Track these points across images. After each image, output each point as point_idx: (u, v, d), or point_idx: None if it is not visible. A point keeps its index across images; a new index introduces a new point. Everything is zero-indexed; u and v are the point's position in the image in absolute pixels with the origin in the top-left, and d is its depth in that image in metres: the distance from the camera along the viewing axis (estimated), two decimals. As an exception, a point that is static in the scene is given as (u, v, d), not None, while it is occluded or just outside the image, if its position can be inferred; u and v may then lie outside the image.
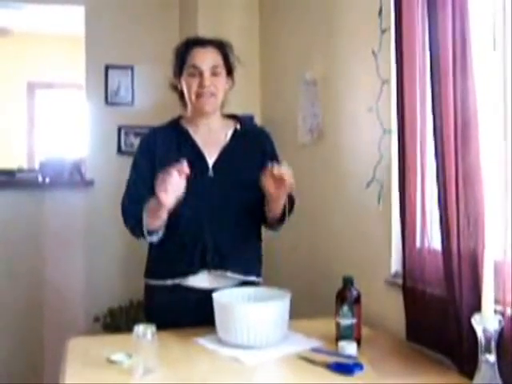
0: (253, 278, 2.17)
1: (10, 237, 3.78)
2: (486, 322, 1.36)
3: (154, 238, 2.05)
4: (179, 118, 2.23)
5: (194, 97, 2.09)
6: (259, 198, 2.09)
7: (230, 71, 2.16)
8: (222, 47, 2.14)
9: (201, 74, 2.07)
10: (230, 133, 2.19)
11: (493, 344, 1.35)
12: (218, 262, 2.09)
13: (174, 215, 2.02)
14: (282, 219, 2.12)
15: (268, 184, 1.94)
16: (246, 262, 2.16)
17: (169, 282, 2.11)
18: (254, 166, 2.16)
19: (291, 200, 2.18)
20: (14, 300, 3.77)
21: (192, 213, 2.06)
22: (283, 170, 1.91)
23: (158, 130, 2.23)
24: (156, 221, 1.99)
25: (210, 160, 2.13)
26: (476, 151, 1.57)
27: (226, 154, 2.15)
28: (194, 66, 2.07)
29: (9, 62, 6.39)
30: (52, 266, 3.80)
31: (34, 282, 3.79)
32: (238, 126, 2.21)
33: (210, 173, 2.12)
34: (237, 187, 2.12)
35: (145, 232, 2.01)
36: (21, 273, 3.78)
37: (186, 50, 2.12)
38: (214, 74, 2.09)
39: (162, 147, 2.14)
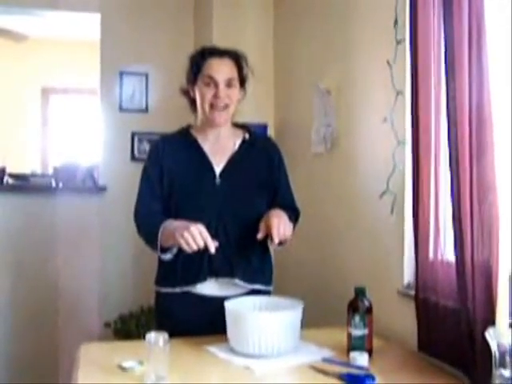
0: (261, 287, 2.18)
1: (22, 241, 3.81)
2: (500, 337, 1.34)
3: (168, 256, 2.06)
4: (188, 126, 2.25)
5: (207, 107, 2.09)
6: (265, 207, 2.14)
7: (242, 82, 2.17)
8: (238, 59, 2.15)
9: (216, 85, 2.07)
10: (238, 142, 2.20)
11: (507, 358, 1.34)
12: (225, 270, 2.10)
13: None
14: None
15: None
16: (254, 269, 2.16)
17: (178, 289, 2.12)
18: (261, 175, 2.19)
19: (296, 215, 2.23)
20: (27, 304, 3.79)
21: (199, 220, 2.07)
22: (272, 223, 1.95)
23: (166, 138, 2.25)
24: (170, 242, 2.01)
25: (218, 168, 2.14)
26: (491, 162, 1.56)
27: (233, 162, 2.17)
28: (210, 77, 2.08)
29: (24, 68, 6.45)
30: (64, 271, 3.82)
31: (45, 286, 3.80)
32: (247, 136, 2.22)
33: (217, 181, 2.13)
34: (243, 196, 2.14)
35: (158, 252, 2.05)
36: (33, 277, 3.81)
37: (201, 58, 2.12)
38: (229, 85, 2.09)
39: (170, 156, 2.16)
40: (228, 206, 2.11)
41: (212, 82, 2.08)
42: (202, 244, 1.87)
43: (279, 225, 1.96)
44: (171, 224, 1.99)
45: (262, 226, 2.01)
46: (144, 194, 2.16)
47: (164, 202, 2.13)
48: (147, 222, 2.10)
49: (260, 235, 2.00)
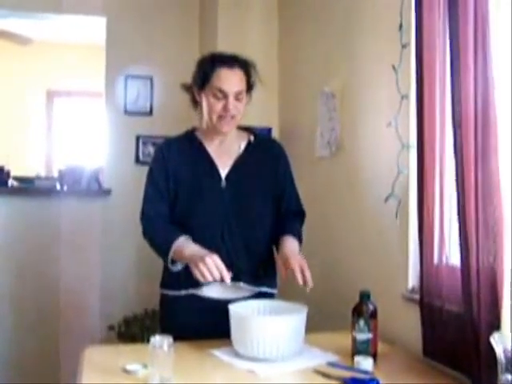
0: (266, 289, 2.18)
1: (26, 244, 3.82)
2: (505, 342, 1.34)
3: (179, 267, 2.06)
4: (193, 129, 2.24)
5: (215, 118, 2.08)
6: (271, 209, 2.18)
7: (249, 88, 2.15)
8: (247, 67, 2.12)
9: (225, 97, 2.05)
10: (243, 144, 2.20)
11: (513, 363, 1.34)
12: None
13: (187, 226, 2.07)
14: None
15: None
16: (259, 272, 2.17)
17: (183, 292, 2.12)
18: (267, 178, 2.19)
19: (302, 219, 2.28)
20: (30, 307, 3.80)
21: (205, 224, 2.09)
22: (295, 269, 1.99)
23: (172, 141, 2.24)
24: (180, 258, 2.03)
25: (223, 171, 2.15)
26: (495, 166, 1.56)
27: (238, 165, 2.17)
28: (220, 90, 2.05)
29: (29, 71, 6.47)
30: (68, 273, 3.82)
31: (49, 289, 3.81)
32: (252, 138, 2.22)
33: (223, 184, 2.13)
34: (249, 198, 2.15)
35: (169, 265, 2.05)
36: (36, 280, 3.81)
37: (211, 67, 2.08)
38: (238, 98, 2.07)
39: (175, 159, 2.16)
40: (234, 209, 2.11)
41: (221, 94, 2.05)
42: (218, 277, 1.89)
43: (302, 269, 1.99)
44: (184, 247, 1.99)
45: (280, 264, 2.06)
46: (150, 196, 2.15)
47: (170, 205, 2.13)
48: (157, 234, 2.10)
49: (283, 274, 2.03)
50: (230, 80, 2.06)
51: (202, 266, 1.87)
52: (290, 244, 2.11)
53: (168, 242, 2.02)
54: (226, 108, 2.05)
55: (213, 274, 1.87)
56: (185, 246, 2.00)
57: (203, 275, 1.88)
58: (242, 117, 2.14)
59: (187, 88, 2.20)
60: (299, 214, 2.27)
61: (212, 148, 2.18)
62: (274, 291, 2.23)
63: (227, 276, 1.89)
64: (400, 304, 2.15)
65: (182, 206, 2.12)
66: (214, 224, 2.09)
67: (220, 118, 2.07)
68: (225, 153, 2.18)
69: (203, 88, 2.10)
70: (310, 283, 1.98)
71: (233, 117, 2.08)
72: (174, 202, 2.13)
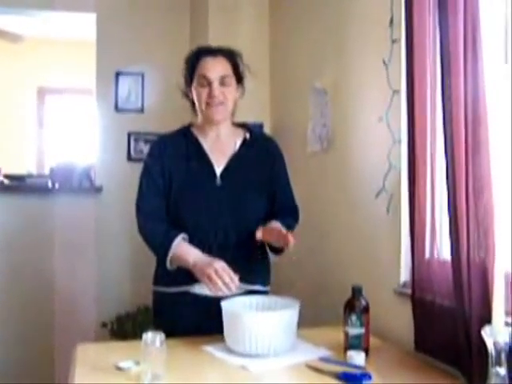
0: (259, 287, 2.17)
1: (19, 242, 3.80)
2: (496, 335, 1.35)
3: (174, 266, 2.07)
4: (189, 125, 2.24)
5: (203, 106, 2.09)
6: (265, 208, 2.17)
7: (239, 79, 2.16)
8: (232, 56, 2.14)
9: (210, 84, 2.07)
10: (239, 141, 2.20)
11: (503, 357, 1.34)
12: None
13: (181, 223, 2.07)
14: (281, 250, 2.14)
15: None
16: (252, 270, 2.16)
17: (176, 289, 2.12)
18: (262, 176, 2.19)
19: (295, 217, 2.27)
20: (23, 305, 3.78)
21: (199, 221, 2.08)
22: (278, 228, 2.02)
23: (167, 137, 2.24)
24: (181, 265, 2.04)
25: (218, 168, 2.14)
26: (486, 160, 1.57)
27: (234, 162, 2.16)
28: (204, 76, 2.08)
29: (20, 68, 6.44)
30: (61, 271, 3.81)
31: (42, 287, 3.79)
32: (248, 135, 2.22)
33: (218, 181, 2.12)
34: (244, 196, 2.14)
35: (168, 264, 2.05)
36: (29, 278, 3.80)
37: (196, 59, 2.12)
38: (223, 83, 2.08)
39: (171, 155, 2.15)
40: (228, 206, 2.11)
41: (206, 81, 2.08)
42: (234, 290, 1.91)
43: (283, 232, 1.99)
44: (187, 253, 2.01)
45: (259, 229, 2.04)
46: (145, 191, 2.14)
47: (165, 201, 2.13)
48: (153, 233, 2.09)
49: (258, 235, 2.02)
50: (212, 67, 2.08)
51: (213, 275, 1.89)
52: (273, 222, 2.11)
53: (165, 244, 2.02)
54: (211, 94, 2.07)
55: (229, 288, 1.89)
56: (187, 251, 2.01)
57: (216, 287, 1.89)
58: (233, 106, 2.15)
59: (186, 94, 2.21)
60: (293, 213, 2.27)
61: (207, 144, 2.17)
62: (267, 289, 2.23)
63: (237, 282, 1.91)
64: (392, 299, 2.15)
65: (177, 202, 2.12)
66: (207, 221, 2.08)
67: (207, 105, 2.08)
68: (220, 150, 2.17)
69: (192, 82, 2.12)
70: (291, 239, 1.94)
71: (221, 103, 2.08)
72: (169, 198, 2.13)
